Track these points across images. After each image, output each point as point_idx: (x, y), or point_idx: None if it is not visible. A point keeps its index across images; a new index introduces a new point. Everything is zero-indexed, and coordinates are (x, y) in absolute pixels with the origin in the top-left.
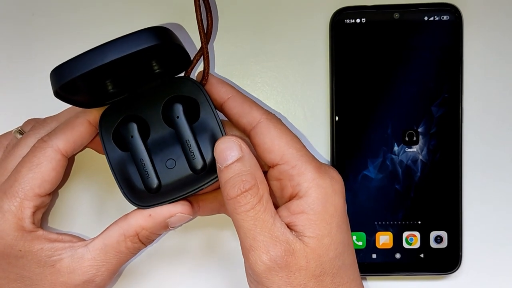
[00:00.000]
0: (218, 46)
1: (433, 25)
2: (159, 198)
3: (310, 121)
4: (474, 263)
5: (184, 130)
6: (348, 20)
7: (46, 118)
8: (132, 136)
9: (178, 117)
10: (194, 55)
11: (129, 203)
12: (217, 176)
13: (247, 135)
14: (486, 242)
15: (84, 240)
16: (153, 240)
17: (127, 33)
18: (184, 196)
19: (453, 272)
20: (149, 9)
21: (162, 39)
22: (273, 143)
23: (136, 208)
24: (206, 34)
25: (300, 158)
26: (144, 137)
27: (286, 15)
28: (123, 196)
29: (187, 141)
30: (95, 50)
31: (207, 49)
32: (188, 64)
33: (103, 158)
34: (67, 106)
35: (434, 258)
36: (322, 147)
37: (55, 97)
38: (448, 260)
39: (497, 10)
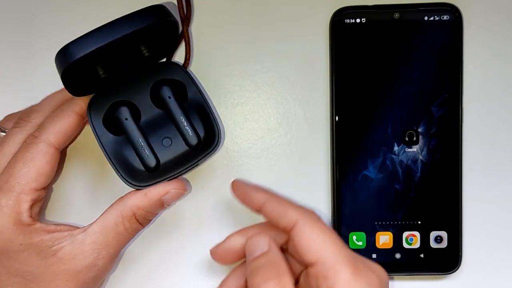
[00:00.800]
0: (218, 46)
1: (433, 25)
2: (158, 176)
3: (310, 121)
4: (474, 263)
5: (176, 109)
6: (348, 20)
7: (27, 112)
8: (126, 119)
9: (169, 97)
10: (178, 39)
11: (128, 186)
12: (211, 150)
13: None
14: (486, 242)
15: (79, 227)
16: (151, 219)
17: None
18: (183, 172)
19: (453, 272)
20: None
21: (164, 16)
22: (309, 244)
23: (134, 190)
24: (186, 17)
25: (336, 259)
26: (136, 120)
27: (286, 15)
28: (121, 180)
29: (181, 118)
30: (105, 27)
31: (188, 32)
32: (172, 49)
33: (91, 148)
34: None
35: (434, 258)
36: (322, 147)
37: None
38: (448, 260)
39: (497, 10)
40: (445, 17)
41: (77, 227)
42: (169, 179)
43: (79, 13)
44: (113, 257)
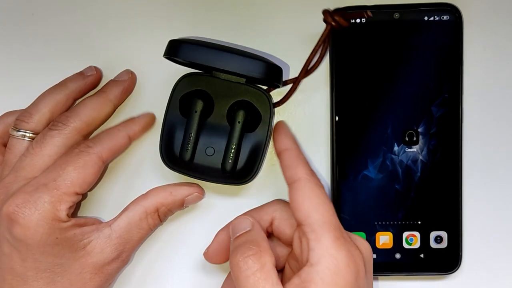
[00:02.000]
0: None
1: (433, 25)
2: (184, 170)
3: (310, 121)
4: (474, 263)
5: (236, 134)
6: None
7: (65, 116)
8: (195, 111)
9: (239, 122)
10: (286, 80)
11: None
12: (237, 182)
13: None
14: (486, 242)
15: (104, 221)
16: (167, 217)
17: (247, 51)
18: (203, 179)
19: (453, 272)
20: (148, 8)
21: (270, 77)
22: (303, 203)
23: (157, 187)
24: (307, 72)
25: (322, 224)
26: (204, 116)
27: (286, 15)
28: (159, 150)
29: (233, 144)
30: (214, 51)
31: (299, 82)
32: (275, 82)
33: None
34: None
35: (434, 258)
36: (322, 147)
37: None
38: (448, 260)
39: (497, 10)
40: (445, 17)
41: (101, 221)
42: (193, 177)
43: (79, 13)
44: (134, 250)
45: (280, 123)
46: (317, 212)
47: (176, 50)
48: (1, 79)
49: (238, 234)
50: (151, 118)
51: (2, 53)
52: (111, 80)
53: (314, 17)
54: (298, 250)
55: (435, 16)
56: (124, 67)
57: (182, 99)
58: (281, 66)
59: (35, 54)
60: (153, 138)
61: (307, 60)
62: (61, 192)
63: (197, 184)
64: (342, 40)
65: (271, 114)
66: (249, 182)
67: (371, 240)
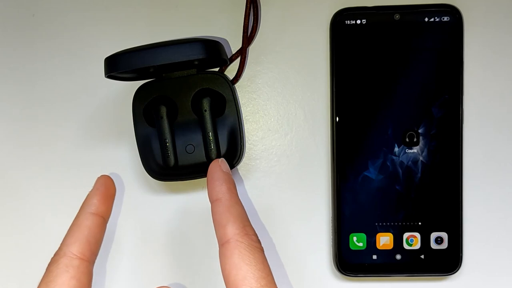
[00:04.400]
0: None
1: (433, 26)
2: (174, 176)
3: (311, 122)
4: (475, 264)
5: (208, 123)
6: (348, 21)
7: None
8: (161, 117)
9: (205, 110)
10: (232, 55)
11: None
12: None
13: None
14: (487, 243)
15: None
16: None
17: (180, 38)
18: (193, 178)
19: (453, 273)
20: (149, 9)
21: (211, 53)
22: (230, 272)
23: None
24: (249, 37)
25: None
26: (172, 118)
27: (287, 15)
28: (144, 169)
29: (209, 133)
30: (149, 50)
31: (246, 52)
32: (220, 57)
33: None
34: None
35: (435, 259)
36: (322, 148)
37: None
38: (448, 261)
39: (497, 11)
40: (446, 19)
41: None
42: (182, 179)
43: (80, 14)
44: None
45: (212, 165)
46: (245, 285)
47: (112, 65)
48: (1, 80)
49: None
50: (105, 181)
51: (3, 54)
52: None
53: None
54: None
55: (436, 17)
56: None
57: (144, 110)
58: (218, 41)
59: (36, 55)
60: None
61: (244, 26)
62: None
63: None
64: (343, 41)
65: (233, 92)
66: (239, 163)
67: (372, 241)
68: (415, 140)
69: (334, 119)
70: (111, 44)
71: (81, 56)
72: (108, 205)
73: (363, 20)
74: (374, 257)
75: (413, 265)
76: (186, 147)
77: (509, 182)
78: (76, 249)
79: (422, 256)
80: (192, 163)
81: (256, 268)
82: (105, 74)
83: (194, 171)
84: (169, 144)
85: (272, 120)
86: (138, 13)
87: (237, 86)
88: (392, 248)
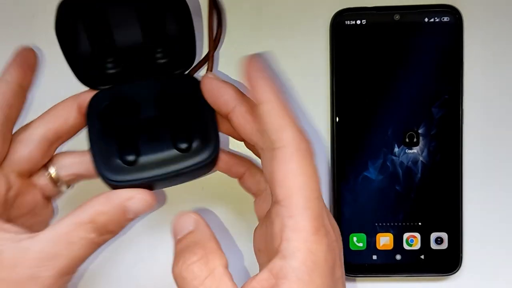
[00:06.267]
0: (218, 47)
1: (433, 26)
2: (133, 174)
3: (311, 122)
4: (475, 264)
5: (175, 116)
6: (348, 21)
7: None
8: (117, 112)
9: (170, 104)
10: (199, 60)
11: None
12: (201, 162)
13: (260, 152)
14: (487, 243)
15: (29, 232)
16: (110, 231)
17: None
18: (164, 176)
19: (453, 274)
20: None
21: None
22: (285, 179)
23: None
24: (214, 41)
25: (303, 211)
26: (133, 115)
27: (287, 16)
28: (95, 169)
29: (177, 123)
30: None
31: (213, 56)
32: (191, 60)
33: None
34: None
35: (435, 259)
36: (322, 148)
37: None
38: (448, 262)
39: (497, 12)
40: (446, 19)
41: (26, 232)
42: (146, 181)
43: None
44: (62, 272)
45: (249, 59)
46: (301, 194)
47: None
48: None
49: (179, 237)
50: (24, 51)
51: (3, 55)
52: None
53: None
54: (269, 229)
55: (436, 18)
56: None
57: (103, 112)
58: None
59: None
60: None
61: (209, 30)
62: None
63: (148, 191)
64: (343, 41)
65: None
66: (215, 158)
67: (372, 241)
68: (415, 140)
69: (334, 119)
70: None
71: None
72: (26, 73)
73: (363, 21)
74: (374, 257)
75: (413, 265)
76: (152, 140)
77: (509, 182)
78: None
79: (422, 256)
80: (157, 155)
81: (312, 179)
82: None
83: (161, 165)
84: (127, 136)
85: None
86: None
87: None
88: (392, 249)
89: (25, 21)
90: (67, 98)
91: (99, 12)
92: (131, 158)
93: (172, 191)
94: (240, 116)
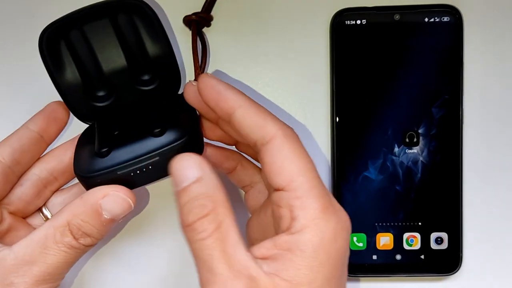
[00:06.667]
0: (219, 47)
1: (433, 26)
2: (105, 163)
3: (311, 122)
4: (475, 264)
5: (155, 116)
6: (348, 21)
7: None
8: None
9: (152, 116)
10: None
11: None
12: (173, 142)
13: (256, 151)
14: (487, 243)
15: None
16: (88, 235)
17: None
18: (133, 163)
19: (453, 274)
20: None
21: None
22: (283, 166)
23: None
24: (201, 68)
25: (308, 189)
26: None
27: (287, 16)
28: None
29: (151, 116)
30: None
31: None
32: (178, 84)
33: None
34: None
35: (435, 259)
36: (322, 148)
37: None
38: (448, 262)
39: (497, 12)
40: (446, 19)
41: (7, 246)
42: (118, 167)
43: None
44: (38, 278)
45: (203, 77)
46: (302, 175)
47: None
48: (2, 81)
49: (185, 185)
50: (54, 105)
51: (3, 55)
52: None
53: None
54: (267, 217)
55: (436, 18)
56: None
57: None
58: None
59: (36, 55)
60: None
61: (194, 60)
62: None
63: (124, 188)
64: (343, 41)
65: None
66: (187, 137)
67: (372, 241)
68: (415, 140)
69: (334, 119)
70: None
71: None
72: (50, 125)
73: (363, 21)
74: (374, 257)
75: (413, 265)
76: (128, 132)
77: (509, 182)
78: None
79: (422, 256)
80: (128, 141)
81: (307, 160)
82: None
83: (134, 151)
84: (100, 129)
85: None
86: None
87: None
88: (392, 248)
89: (25, 21)
90: (65, 142)
91: (82, 45)
92: (103, 150)
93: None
94: (244, 116)
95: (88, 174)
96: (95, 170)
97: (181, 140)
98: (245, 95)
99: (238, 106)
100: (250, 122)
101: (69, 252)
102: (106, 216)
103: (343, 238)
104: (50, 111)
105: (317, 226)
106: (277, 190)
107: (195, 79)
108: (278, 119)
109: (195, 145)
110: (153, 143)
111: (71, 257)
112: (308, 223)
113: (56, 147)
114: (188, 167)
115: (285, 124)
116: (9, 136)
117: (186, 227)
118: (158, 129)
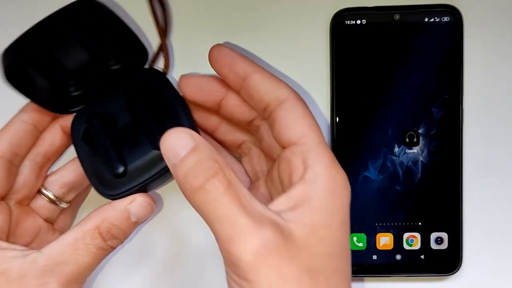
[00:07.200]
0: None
1: (433, 26)
2: (127, 184)
3: None
4: (475, 264)
5: (148, 116)
6: (348, 21)
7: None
8: (95, 131)
9: (142, 105)
10: (155, 53)
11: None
12: None
13: (266, 115)
14: (487, 243)
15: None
16: (117, 237)
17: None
18: (153, 178)
19: (453, 273)
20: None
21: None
22: (296, 122)
23: (106, 198)
24: (164, 29)
25: (319, 143)
26: (110, 128)
27: (287, 16)
28: (94, 189)
29: (151, 123)
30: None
31: (166, 44)
32: (145, 58)
33: None
34: None
35: (435, 259)
36: None
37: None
38: (448, 262)
39: (497, 12)
40: (446, 19)
41: (34, 250)
42: (139, 186)
43: None
44: (70, 278)
45: (218, 46)
46: (314, 131)
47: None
48: (1, 81)
49: (181, 156)
50: None
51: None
52: None
53: None
54: (281, 173)
55: (436, 18)
56: None
57: (84, 134)
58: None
59: None
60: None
61: (155, 18)
62: None
63: (145, 193)
64: (343, 41)
65: (164, 79)
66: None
67: (372, 241)
68: (415, 140)
69: (334, 119)
70: None
71: None
72: (44, 115)
73: (363, 21)
74: (374, 257)
75: (413, 265)
76: (134, 148)
77: (509, 182)
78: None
79: (422, 256)
80: (142, 160)
81: (314, 120)
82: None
83: (148, 168)
84: (109, 151)
85: None
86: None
87: None
88: (392, 248)
89: (25, 21)
90: (50, 126)
91: (39, 48)
92: (120, 170)
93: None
94: (231, 102)
95: (114, 194)
96: (120, 191)
97: None
98: (256, 63)
99: (253, 71)
100: (265, 84)
101: (97, 253)
102: (133, 219)
103: (348, 190)
104: None
105: (330, 173)
106: (288, 146)
107: (160, 40)
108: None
109: None
110: (162, 158)
111: (98, 258)
112: (322, 171)
113: (45, 132)
114: (180, 139)
115: (294, 90)
116: (4, 129)
117: (197, 191)
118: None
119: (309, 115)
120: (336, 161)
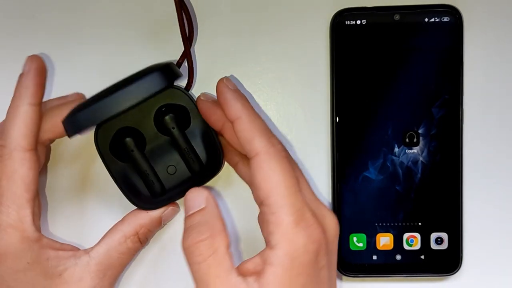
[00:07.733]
0: (219, 48)
1: (433, 26)
2: (164, 202)
3: (311, 122)
4: (475, 264)
5: (179, 137)
6: (348, 21)
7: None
8: (132, 150)
9: (173, 128)
10: (178, 61)
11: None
12: (214, 172)
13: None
14: (487, 243)
15: (81, 249)
16: (149, 239)
17: (134, 73)
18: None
19: (453, 274)
20: (147, 12)
21: (171, 78)
22: (261, 182)
23: (134, 210)
24: (189, 38)
25: (281, 206)
26: (141, 147)
27: (287, 16)
28: (131, 203)
29: (185, 149)
30: (109, 99)
31: (191, 55)
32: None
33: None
34: None
35: (435, 259)
36: (322, 148)
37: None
38: (448, 262)
39: (497, 12)
40: (446, 19)
41: (79, 249)
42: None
43: (80, 15)
44: (115, 278)
45: (220, 83)
46: (277, 192)
47: (75, 126)
48: (3, 82)
49: (190, 213)
50: (37, 64)
51: (4, 55)
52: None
53: None
54: (261, 226)
55: (436, 18)
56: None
57: (111, 148)
58: (168, 61)
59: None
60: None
61: (181, 28)
62: (16, 209)
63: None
64: (343, 41)
65: (192, 99)
66: (223, 165)
67: (372, 242)
68: (415, 140)
69: (334, 119)
70: (111, 45)
71: (83, 57)
72: (42, 91)
73: (363, 21)
74: (374, 257)
75: (413, 265)
76: (167, 169)
77: (509, 182)
78: (26, 142)
79: (422, 257)
80: (178, 182)
81: (286, 176)
82: (69, 136)
83: (183, 189)
84: (149, 173)
85: (272, 120)
86: (135, 17)
87: (238, 86)
88: (392, 249)
89: (25, 21)
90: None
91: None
92: (157, 190)
93: None
94: (228, 132)
95: (151, 208)
96: (157, 206)
97: (218, 170)
98: (247, 103)
99: (237, 118)
100: (241, 135)
101: (134, 254)
102: (163, 224)
103: (315, 247)
104: (38, 75)
105: (289, 240)
106: (260, 204)
107: (185, 49)
108: (269, 134)
109: (223, 161)
110: (196, 180)
111: (133, 256)
112: (281, 238)
113: (48, 109)
114: (196, 198)
115: (273, 140)
116: (22, 120)
117: (185, 249)
118: (197, 166)
119: (279, 172)
120: (300, 222)
